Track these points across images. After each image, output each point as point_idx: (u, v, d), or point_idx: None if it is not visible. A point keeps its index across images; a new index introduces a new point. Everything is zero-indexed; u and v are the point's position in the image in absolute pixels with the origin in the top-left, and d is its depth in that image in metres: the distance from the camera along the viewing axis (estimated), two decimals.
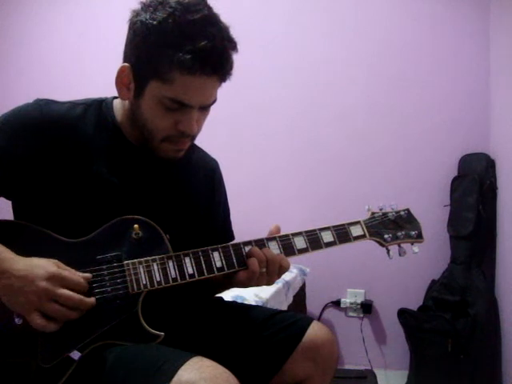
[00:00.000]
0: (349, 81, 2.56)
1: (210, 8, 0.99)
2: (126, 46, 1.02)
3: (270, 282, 1.09)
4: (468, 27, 2.43)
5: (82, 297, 0.90)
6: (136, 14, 0.99)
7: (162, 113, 0.99)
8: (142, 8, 0.98)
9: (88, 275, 0.95)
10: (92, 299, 0.92)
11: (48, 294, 0.87)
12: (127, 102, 1.05)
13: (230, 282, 1.10)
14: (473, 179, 2.29)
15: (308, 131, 2.61)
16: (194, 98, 0.98)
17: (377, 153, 2.53)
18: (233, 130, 2.68)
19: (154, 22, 0.94)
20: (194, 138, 1.08)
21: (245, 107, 2.67)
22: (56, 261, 0.93)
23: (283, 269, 1.08)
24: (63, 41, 2.88)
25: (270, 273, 1.06)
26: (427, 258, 2.40)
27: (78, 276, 0.93)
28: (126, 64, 1.01)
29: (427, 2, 2.47)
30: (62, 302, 0.89)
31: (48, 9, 2.91)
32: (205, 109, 1.04)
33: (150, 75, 0.97)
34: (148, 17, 0.95)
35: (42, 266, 0.89)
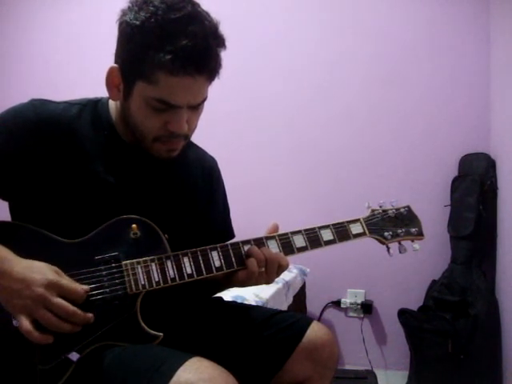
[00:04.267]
0: (349, 80, 2.56)
1: (194, 5, 0.97)
2: (116, 46, 1.01)
3: (269, 281, 1.08)
4: (468, 27, 2.43)
5: (76, 309, 0.88)
6: (123, 13, 0.98)
7: (150, 113, 0.98)
8: (128, 7, 0.97)
9: (86, 287, 0.93)
10: (88, 314, 0.90)
11: (43, 301, 0.86)
12: (119, 102, 1.05)
13: (229, 282, 1.09)
14: (473, 179, 2.29)
15: (307, 131, 2.61)
16: (180, 98, 0.97)
17: (377, 153, 2.53)
18: (233, 128, 2.68)
19: (137, 23, 0.93)
20: (187, 137, 1.07)
21: (244, 106, 2.67)
22: (56, 268, 0.91)
23: (282, 268, 1.07)
24: (63, 40, 2.89)
25: (268, 272, 1.06)
26: (427, 258, 2.40)
27: (77, 286, 0.91)
28: (114, 65, 1.00)
29: (427, 2, 2.47)
30: (56, 312, 0.87)
31: (48, 8, 2.91)
32: (195, 107, 1.02)
33: (136, 76, 0.96)
34: (132, 17, 0.94)
35: (41, 272, 0.88)
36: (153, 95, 0.96)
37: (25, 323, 0.86)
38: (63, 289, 0.88)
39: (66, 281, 0.90)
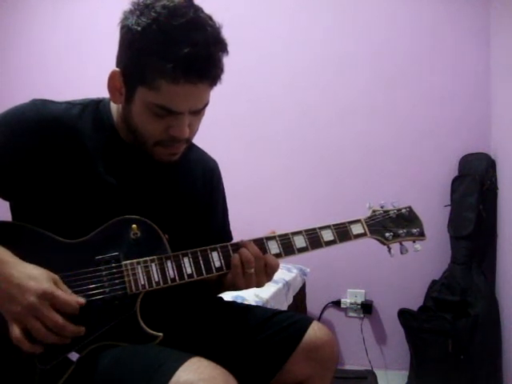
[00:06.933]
0: (349, 81, 2.56)
1: (196, 10, 0.95)
2: (118, 50, 1.00)
3: (259, 284, 1.07)
4: (468, 27, 2.42)
5: (66, 323, 0.88)
6: (124, 17, 0.97)
7: (151, 118, 0.98)
8: (130, 10, 0.96)
9: (82, 300, 0.92)
10: (79, 328, 0.90)
11: (33, 311, 0.85)
12: (120, 105, 1.04)
13: (220, 286, 1.11)
14: (473, 179, 2.29)
15: (308, 131, 2.61)
16: (181, 105, 0.96)
17: (377, 153, 2.53)
18: (233, 130, 2.68)
19: (139, 28, 0.92)
20: (188, 140, 1.07)
21: (245, 108, 2.67)
22: (55, 276, 0.91)
23: (272, 267, 1.06)
24: (64, 40, 2.88)
25: (257, 271, 1.04)
26: (427, 258, 2.40)
27: (71, 298, 0.90)
28: (116, 69, 1.00)
29: (428, 2, 2.47)
30: (46, 323, 0.86)
31: (48, 8, 2.91)
32: (197, 112, 1.01)
33: (138, 82, 0.96)
34: (133, 22, 0.93)
35: (37, 279, 0.87)
36: (154, 101, 0.95)
37: (15, 331, 0.86)
38: (56, 300, 0.87)
39: (62, 292, 0.89)
